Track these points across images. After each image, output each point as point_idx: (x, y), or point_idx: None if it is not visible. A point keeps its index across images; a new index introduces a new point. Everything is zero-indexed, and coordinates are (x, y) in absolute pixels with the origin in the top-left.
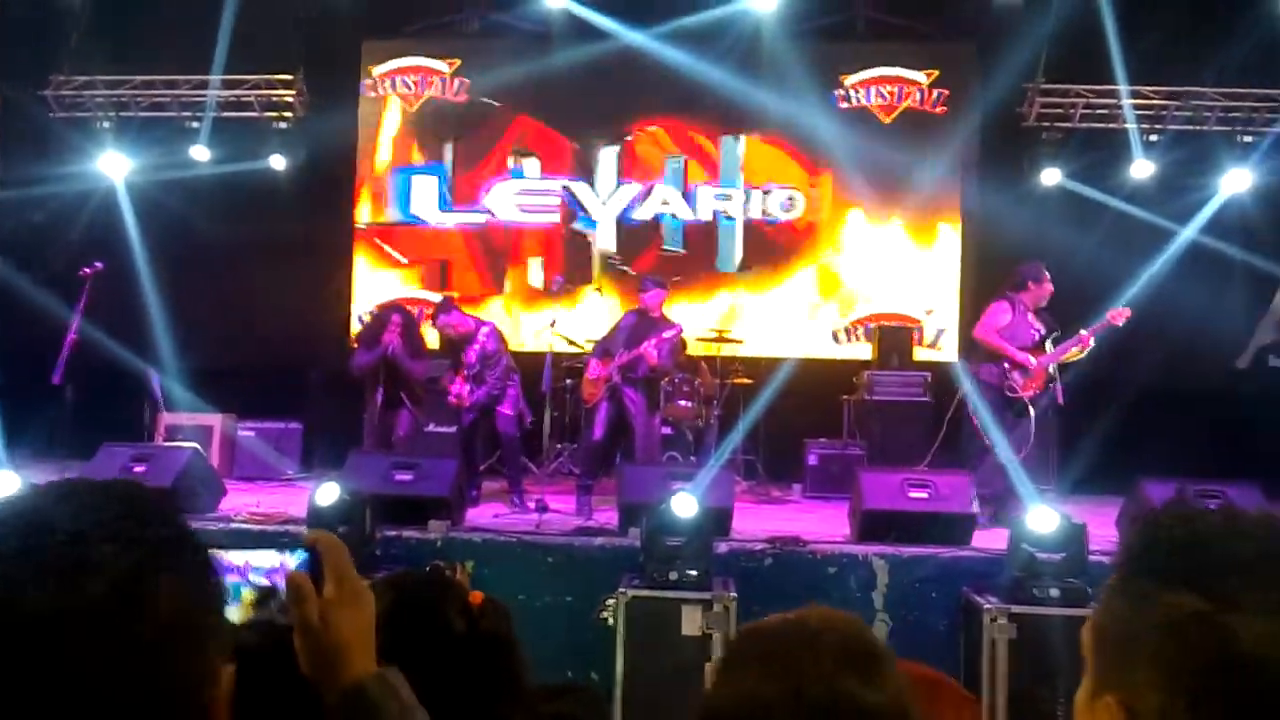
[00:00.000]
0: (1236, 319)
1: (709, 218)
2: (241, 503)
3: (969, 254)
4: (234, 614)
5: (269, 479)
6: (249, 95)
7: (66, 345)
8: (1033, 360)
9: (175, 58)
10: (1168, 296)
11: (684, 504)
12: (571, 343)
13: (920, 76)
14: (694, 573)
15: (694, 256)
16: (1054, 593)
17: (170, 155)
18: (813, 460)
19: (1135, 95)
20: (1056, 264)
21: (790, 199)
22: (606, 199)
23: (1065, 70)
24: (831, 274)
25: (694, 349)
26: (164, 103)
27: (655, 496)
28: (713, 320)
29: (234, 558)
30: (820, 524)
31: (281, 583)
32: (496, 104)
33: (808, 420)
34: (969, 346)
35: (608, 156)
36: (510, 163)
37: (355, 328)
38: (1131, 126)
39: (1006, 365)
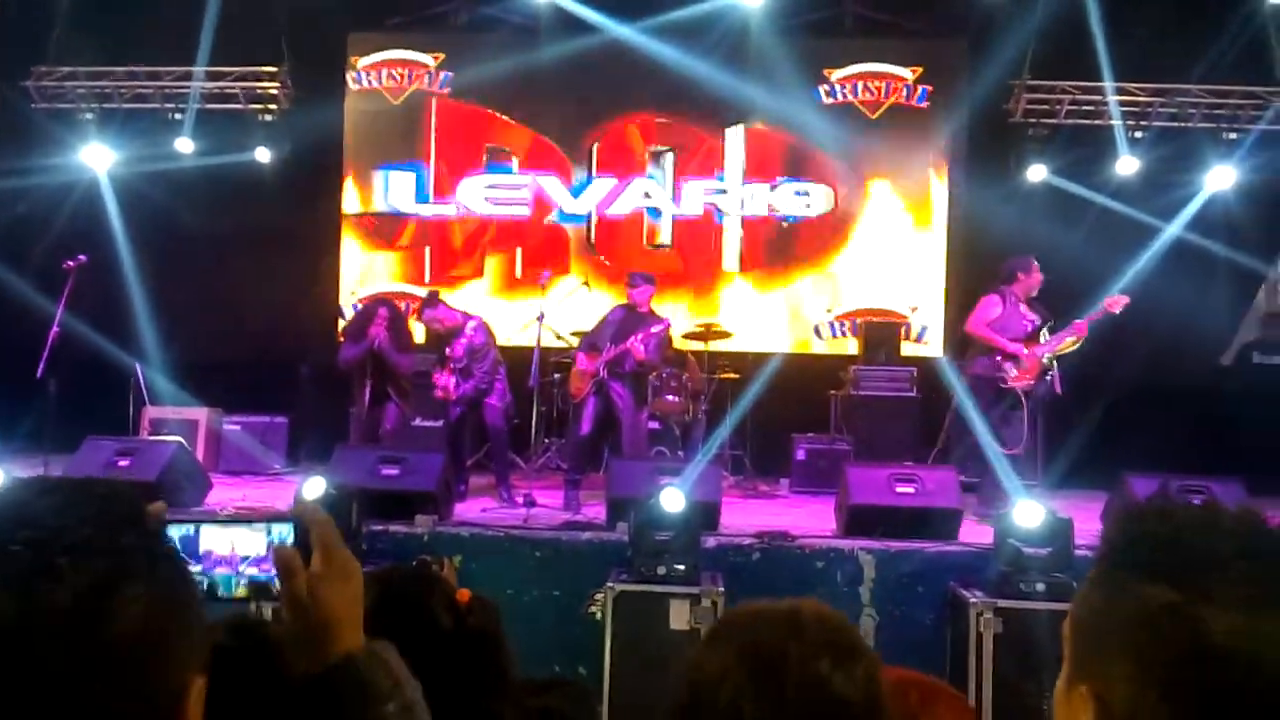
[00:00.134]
0: (1221, 316)
1: (699, 212)
2: (227, 497)
3: (954, 249)
4: (224, 605)
5: (255, 473)
6: (233, 87)
7: (50, 338)
8: (1025, 350)
9: (159, 49)
10: (1152, 293)
11: (672, 499)
12: (559, 336)
13: (905, 72)
14: (682, 567)
15: (685, 253)
16: (1040, 587)
17: (154, 147)
18: (800, 455)
19: (1121, 92)
20: (1041, 260)
21: (807, 194)
22: (578, 192)
23: (1051, 67)
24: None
25: (682, 343)
26: (148, 94)
27: (643, 491)
28: (705, 319)
29: (221, 547)
30: (808, 519)
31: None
32: (479, 97)
33: (795, 415)
34: (961, 341)
35: (586, 150)
36: (485, 158)
37: (348, 315)
38: (1117, 123)
39: (999, 357)
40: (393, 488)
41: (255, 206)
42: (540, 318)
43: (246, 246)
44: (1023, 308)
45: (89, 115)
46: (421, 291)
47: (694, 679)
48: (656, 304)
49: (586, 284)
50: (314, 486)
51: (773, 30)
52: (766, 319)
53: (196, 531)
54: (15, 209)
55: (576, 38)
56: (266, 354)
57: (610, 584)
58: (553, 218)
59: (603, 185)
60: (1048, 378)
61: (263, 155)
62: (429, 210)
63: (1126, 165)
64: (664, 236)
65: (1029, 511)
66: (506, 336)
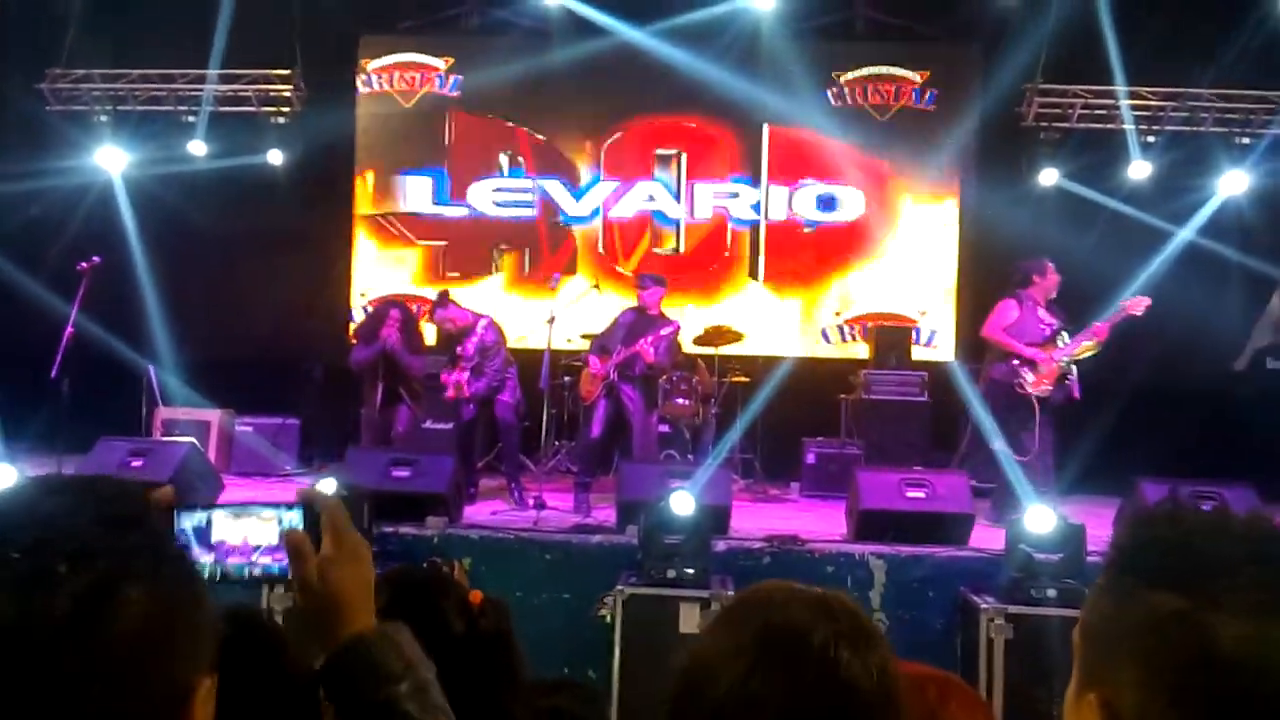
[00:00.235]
0: (1233, 321)
1: (708, 216)
2: (239, 498)
3: (966, 253)
4: (237, 588)
5: (267, 474)
6: (246, 90)
7: (64, 339)
8: (1044, 355)
9: (172, 52)
10: (1164, 298)
11: (682, 502)
12: (569, 340)
13: (914, 75)
14: (692, 571)
15: (695, 257)
16: (1051, 593)
17: (167, 150)
18: (810, 459)
19: (1133, 96)
20: (1053, 264)
21: (833, 198)
22: (581, 195)
23: (1063, 71)
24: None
25: (692, 347)
26: (161, 97)
27: (653, 494)
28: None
29: (234, 537)
30: (818, 523)
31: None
32: (489, 100)
33: (805, 419)
34: (980, 346)
35: (595, 153)
36: (499, 163)
37: (358, 318)
38: (1129, 127)
39: (1016, 362)
40: (404, 489)
41: (267, 208)
42: (551, 320)
43: (258, 248)
44: (1040, 311)
45: (103, 118)
46: (433, 294)
47: (701, 656)
48: (667, 306)
49: (597, 286)
50: (326, 488)
51: (784, 34)
52: (778, 323)
53: (209, 522)
54: (30, 211)
55: (587, 41)
56: (278, 355)
57: (620, 587)
58: (559, 220)
59: (605, 188)
60: (1066, 383)
61: (275, 158)
62: (445, 212)
63: (1139, 169)
64: (672, 240)
65: (1040, 517)
66: (520, 336)
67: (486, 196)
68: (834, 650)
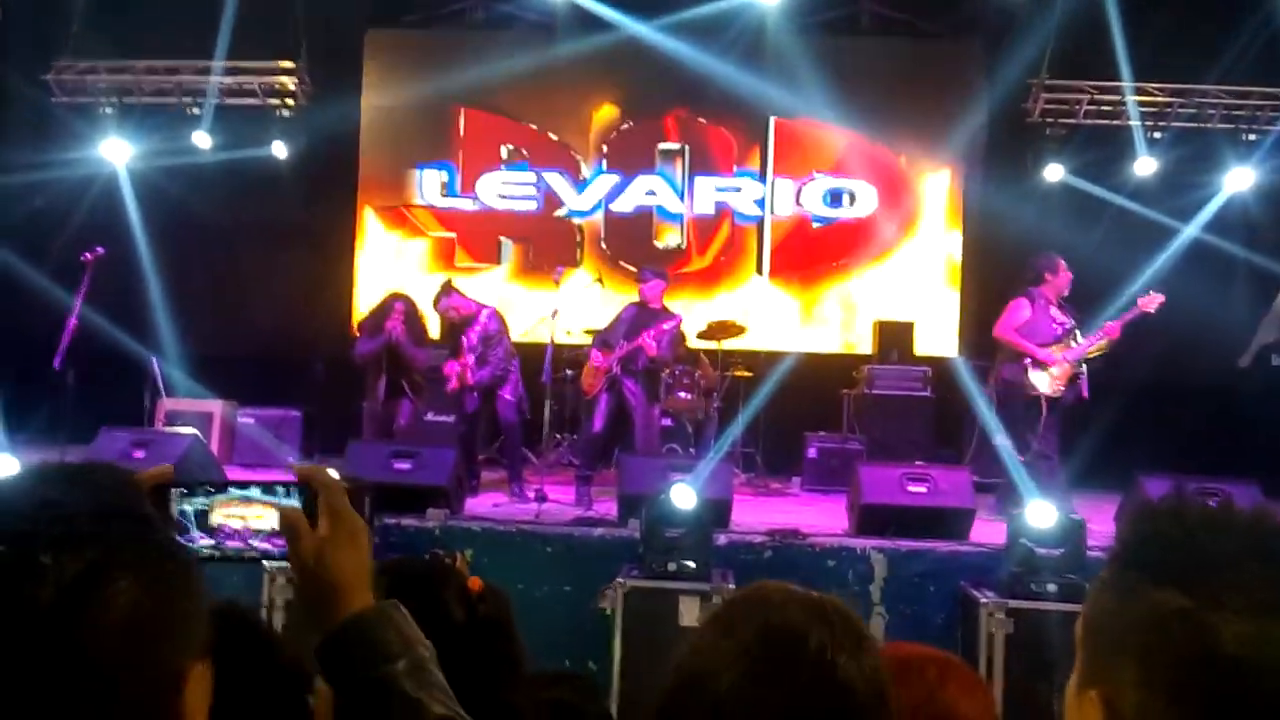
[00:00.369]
0: (1238, 317)
1: (710, 210)
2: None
3: (971, 249)
4: (235, 564)
5: (269, 466)
6: (251, 82)
7: (68, 330)
8: (1056, 355)
9: (178, 44)
10: (1169, 294)
11: (683, 495)
12: (568, 333)
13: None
14: (693, 564)
15: (699, 251)
16: (1052, 588)
17: (172, 141)
18: (812, 453)
19: (1139, 92)
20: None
21: (845, 194)
22: (584, 189)
23: (1070, 66)
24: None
25: (695, 341)
26: (166, 89)
27: (655, 488)
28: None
29: (233, 522)
30: (819, 517)
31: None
32: (494, 94)
33: (807, 413)
34: (985, 343)
35: (599, 147)
36: (504, 157)
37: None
38: (1135, 123)
39: (1027, 363)
40: (405, 482)
41: (271, 201)
42: (554, 314)
43: (262, 240)
44: (1052, 310)
45: (108, 109)
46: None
47: (699, 656)
48: (669, 300)
49: (600, 280)
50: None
51: (789, 29)
52: (781, 317)
53: (207, 506)
54: (35, 202)
55: (592, 35)
56: (281, 347)
57: (621, 580)
58: (562, 213)
59: (606, 181)
60: (1077, 383)
61: (279, 150)
62: (455, 204)
63: (1145, 166)
64: (675, 234)
65: (1041, 512)
66: (523, 332)
67: (494, 189)
68: (830, 654)
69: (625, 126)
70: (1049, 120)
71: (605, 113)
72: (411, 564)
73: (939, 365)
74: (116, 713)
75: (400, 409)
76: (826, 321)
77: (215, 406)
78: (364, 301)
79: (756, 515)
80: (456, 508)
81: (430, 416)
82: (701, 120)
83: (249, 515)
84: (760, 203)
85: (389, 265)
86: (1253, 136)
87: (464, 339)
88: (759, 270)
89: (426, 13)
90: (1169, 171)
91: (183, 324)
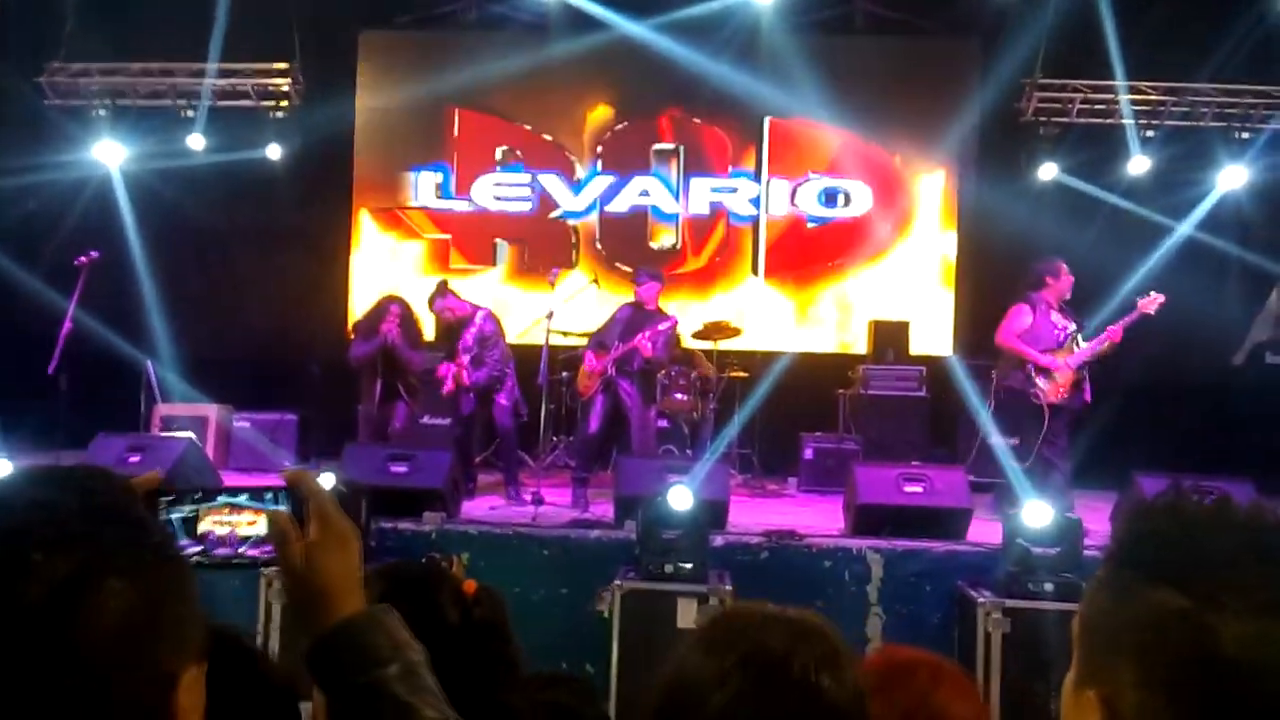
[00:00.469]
0: (1232, 315)
1: (705, 211)
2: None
3: (965, 248)
4: (225, 569)
5: (264, 470)
6: (245, 84)
7: (62, 335)
8: (1059, 362)
9: (171, 46)
10: (1163, 292)
11: (680, 497)
12: (565, 334)
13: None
14: (689, 565)
15: (693, 252)
16: (1048, 587)
17: (166, 144)
18: (808, 454)
19: (1133, 91)
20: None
21: (840, 194)
22: (578, 190)
23: (1063, 65)
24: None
25: (691, 342)
26: (160, 91)
27: (651, 489)
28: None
29: (221, 529)
30: (815, 518)
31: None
32: (488, 95)
33: (803, 414)
34: (981, 344)
35: (593, 147)
36: (497, 154)
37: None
38: (1129, 122)
39: (1030, 369)
40: (401, 485)
41: (266, 203)
42: (549, 316)
43: (257, 243)
44: (1054, 315)
45: (101, 111)
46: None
47: (685, 679)
48: (665, 301)
49: (596, 281)
50: (323, 483)
51: (784, 28)
52: (776, 318)
53: (195, 514)
54: (28, 205)
55: (586, 35)
56: (276, 350)
57: (618, 582)
58: (557, 214)
59: (601, 182)
60: (1081, 388)
61: (274, 152)
62: (450, 205)
63: (1138, 164)
64: (670, 234)
65: (1037, 511)
66: (519, 334)
67: (489, 191)
68: (814, 675)
69: (620, 127)
70: (1042, 119)
71: (600, 113)
72: (407, 568)
73: (934, 365)
74: (109, 713)
75: (396, 412)
76: (822, 321)
77: (210, 410)
78: (359, 304)
79: (753, 516)
80: (453, 511)
81: (426, 419)
82: (696, 120)
83: (238, 522)
84: (755, 203)
85: (384, 267)
86: (1245, 134)
87: (459, 341)
88: (754, 270)
89: (420, 14)
90: (1162, 170)
91: (177, 327)
